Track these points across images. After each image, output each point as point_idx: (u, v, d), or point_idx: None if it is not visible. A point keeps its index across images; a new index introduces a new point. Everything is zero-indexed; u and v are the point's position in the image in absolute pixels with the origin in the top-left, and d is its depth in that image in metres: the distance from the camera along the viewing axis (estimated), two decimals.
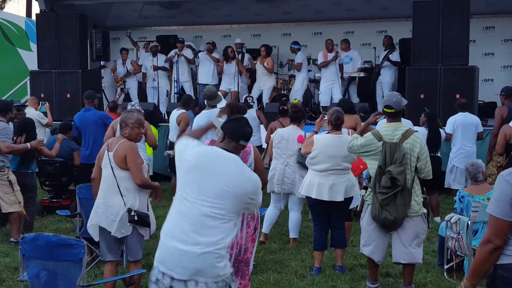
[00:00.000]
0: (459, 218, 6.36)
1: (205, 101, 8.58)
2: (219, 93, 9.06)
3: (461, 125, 9.38)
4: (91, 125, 9.09)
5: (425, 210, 5.73)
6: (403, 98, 5.82)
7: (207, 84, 13.71)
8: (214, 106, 8.04)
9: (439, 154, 8.81)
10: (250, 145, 5.12)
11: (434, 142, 8.59)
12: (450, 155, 9.42)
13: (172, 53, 14.11)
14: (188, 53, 14.11)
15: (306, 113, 12.18)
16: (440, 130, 8.99)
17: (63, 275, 4.55)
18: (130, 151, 5.36)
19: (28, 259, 4.61)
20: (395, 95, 5.85)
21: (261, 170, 5.23)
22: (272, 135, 7.80)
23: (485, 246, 3.21)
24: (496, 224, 3.17)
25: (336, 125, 6.58)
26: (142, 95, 14.74)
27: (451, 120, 9.42)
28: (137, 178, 5.33)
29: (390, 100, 5.73)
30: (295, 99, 10.76)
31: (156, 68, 14.03)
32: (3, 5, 35.74)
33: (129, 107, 8.64)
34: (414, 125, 8.75)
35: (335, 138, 6.54)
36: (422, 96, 11.19)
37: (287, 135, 7.47)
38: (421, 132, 8.51)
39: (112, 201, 5.31)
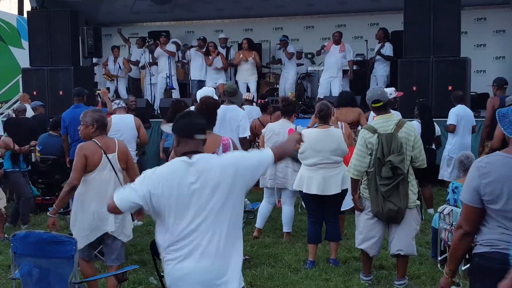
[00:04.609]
0: (452, 210, 6.35)
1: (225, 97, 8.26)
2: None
3: (463, 117, 9.35)
4: None
5: (418, 202, 5.73)
6: (386, 89, 5.84)
7: (199, 80, 13.75)
8: (234, 103, 7.63)
9: (433, 147, 8.80)
10: (228, 138, 5.14)
11: (427, 134, 8.58)
12: (447, 146, 9.37)
13: (157, 51, 14.15)
14: (171, 47, 14.10)
15: (299, 106, 12.23)
16: (435, 123, 8.97)
17: (55, 272, 4.53)
18: (128, 150, 5.36)
19: (20, 256, 4.59)
20: (378, 88, 5.91)
21: None
22: (263, 130, 7.77)
23: (457, 231, 3.33)
24: (465, 210, 3.28)
25: (321, 118, 6.54)
26: (138, 91, 14.75)
27: (455, 111, 9.35)
28: (135, 176, 5.30)
29: (375, 95, 5.72)
30: (291, 92, 10.75)
31: (151, 64, 14.17)
32: None
33: (114, 106, 8.61)
34: (406, 117, 8.71)
35: (321, 132, 6.51)
36: (414, 88, 11.19)
37: (277, 129, 7.44)
38: (415, 125, 8.51)
39: None
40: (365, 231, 5.81)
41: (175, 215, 3.32)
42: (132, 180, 5.25)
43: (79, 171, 5.05)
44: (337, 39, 12.91)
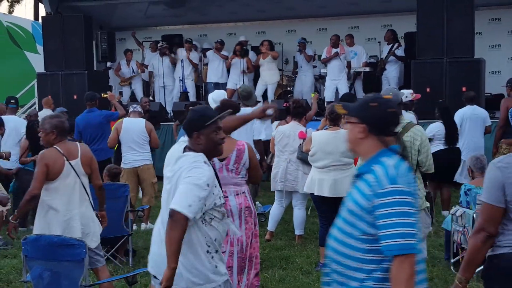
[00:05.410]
0: (464, 211, 6.31)
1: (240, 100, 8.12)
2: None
3: (469, 118, 9.28)
4: (96, 125, 9.12)
5: (428, 204, 5.68)
6: (402, 91, 5.81)
7: (216, 83, 13.73)
8: (248, 106, 7.49)
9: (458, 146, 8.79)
10: (244, 142, 5.01)
11: (451, 135, 8.59)
12: None
13: (178, 54, 14.19)
14: (194, 56, 14.13)
15: None
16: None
17: (66, 275, 4.57)
18: (92, 154, 5.32)
19: (31, 259, 4.64)
20: (391, 89, 5.86)
21: (256, 167, 4.98)
22: (273, 133, 7.78)
23: (478, 235, 3.20)
24: (489, 211, 3.18)
25: (331, 120, 6.54)
26: (149, 95, 14.81)
27: (459, 113, 9.33)
28: (99, 180, 5.32)
29: (387, 95, 5.70)
30: (313, 93, 10.77)
31: (163, 54, 14.19)
32: (12, 9, 35.97)
33: (130, 109, 8.69)
34: (420, 119, 8.69)
35: (332, 134, 6.49)
36: (428, 89, 11.12)
37: (288, 131, 7.45)
38: (438, 127, 8.53)
39: (84, 210, 5.12)
40: None
41: None
42: (95, 185, 5.29)
43: (40, 180, 4.96)
44: (335, 42, 12.83)
